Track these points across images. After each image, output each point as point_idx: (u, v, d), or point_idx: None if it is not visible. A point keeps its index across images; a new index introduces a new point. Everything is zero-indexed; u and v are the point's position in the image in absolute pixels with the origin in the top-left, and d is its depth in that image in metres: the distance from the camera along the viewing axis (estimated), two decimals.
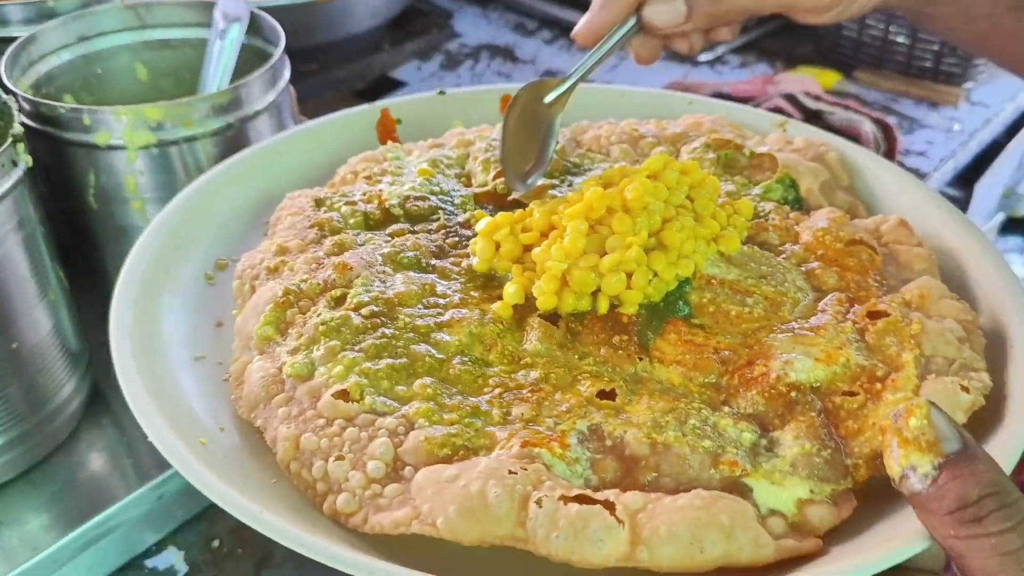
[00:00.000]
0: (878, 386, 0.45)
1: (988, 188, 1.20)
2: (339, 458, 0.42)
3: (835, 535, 0.41)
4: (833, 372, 0.46)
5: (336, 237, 0.56)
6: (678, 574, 0.38)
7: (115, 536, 0.65)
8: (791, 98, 1.10)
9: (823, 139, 0.68)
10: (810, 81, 1.22)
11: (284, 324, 0.49)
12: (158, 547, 0.68)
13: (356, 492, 0.41)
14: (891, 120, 1.08)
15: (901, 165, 0.74)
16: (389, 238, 0.56)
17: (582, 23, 0.58)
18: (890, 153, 1.01)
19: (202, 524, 0.70)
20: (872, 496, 0.43)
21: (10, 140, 0.60)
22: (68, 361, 0.68)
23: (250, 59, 0.79)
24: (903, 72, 1.25)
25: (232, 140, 0.71)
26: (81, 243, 0.77)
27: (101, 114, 0.67)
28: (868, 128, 0.97)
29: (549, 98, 0.60)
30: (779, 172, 0.63)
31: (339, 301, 0.50)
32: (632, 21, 0.58)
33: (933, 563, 0.47)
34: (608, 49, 0.58)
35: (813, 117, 1.08)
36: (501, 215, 0.53)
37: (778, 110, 1.06)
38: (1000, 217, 1.47)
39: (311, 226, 0.57)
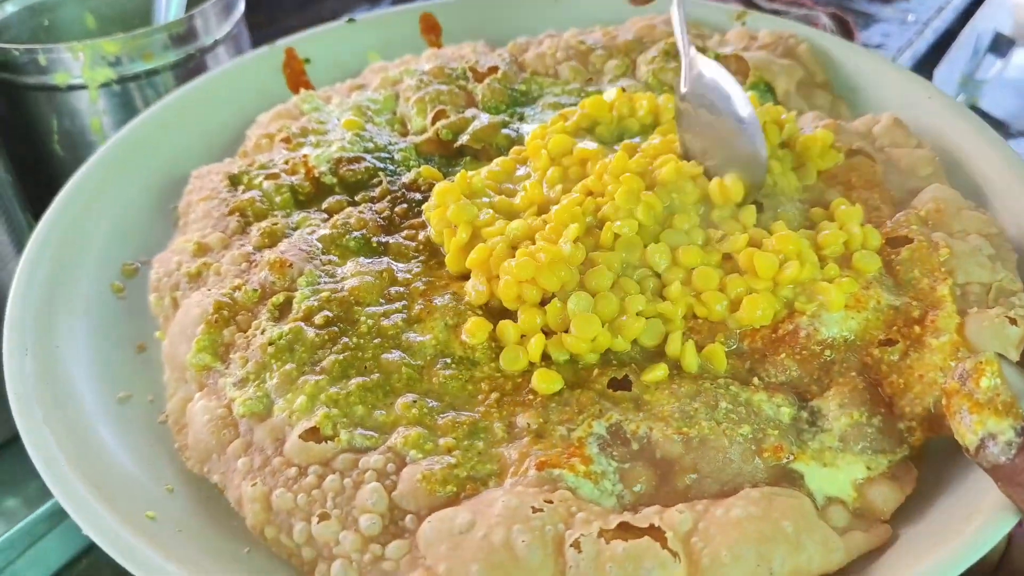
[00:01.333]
0: (917, 329, 0.40)
1: (946, 76, 1.18)
2: (323, 517, 0.35)
3: (898, 513, 0.36)
4: (865, 319, 0.41)
5: (263, 224, 0.47)
6: None
7: None
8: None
9: (790, 29, 0.61)
10: None
11: (223, 347, 0.41)
12: None
13: (352, 557, 0.34)
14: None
15: None
16: (326, 216, 0.47)
17: None
18: None
19: None
20: (934, 465, 0.38)
21: None
22: None
23: None
24: None
25: (192, 73, 0.65)
26: (49, 194, 0.67)
27: (57, 52, 0.62)
28: (825, 23, 0.91)
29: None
30: (751, 76, 0.56)
31: (283, 309, 0.42)
32: None
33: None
34: None
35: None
36: (446, 185, 0.45)
37: None
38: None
39: (230, 212, 0.48)
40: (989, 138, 0.50)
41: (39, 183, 0.67)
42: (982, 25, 1.25)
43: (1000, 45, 1.30)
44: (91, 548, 0.57)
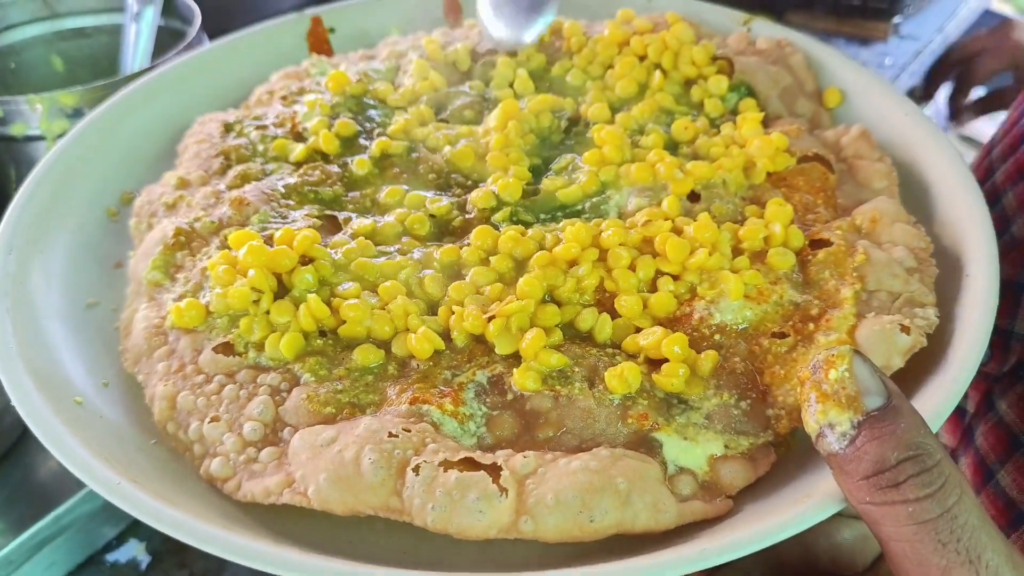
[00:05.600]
0: (811, 326, 0.41)
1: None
2: (214, 419, 0.39)
3: (751, 491, 0.38)
4: (764, 311, 0.42)
5: (241, 167, 0.52)
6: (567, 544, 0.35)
7: (72, 533, 0.63)
8: None
9: (790, 38, 0.61)
10: None
11: (174, 268, 0.46)
12: (118, 540, 0.66)
13: (231, 456, 0.38)
14: None
15: None
16: (295, 167, 0.52)
17: None
18: None
19: None
20: (799, 446, 0.40)
21: None
22: None
23: (168, 41, 0.75)
24: (832, 12, 1.24)
25: None
26: None
27: (14, 105, 0.63)
28: None
29: None
30: (734, 78, 0.57)
31: None
32: None
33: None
34: None
35: None
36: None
37: None
38: None
39: (217, 155, 0.53)
40: (949, 156, 0.50)
41: None
42: None
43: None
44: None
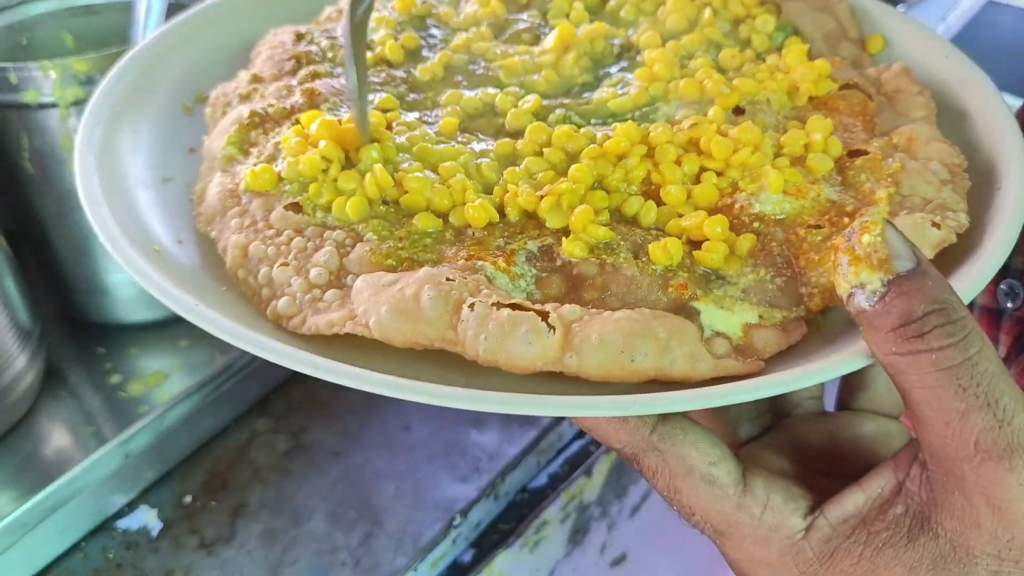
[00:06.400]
0: (846, 220, 0.43)
1: None
2: (283, 264, 0.42)
3: (781, 358, 0.40)
4: (801, 206, 0.44)
5: (311, 67, 0.55)
6: (608, 384, 0.37)
7: (83, 498, 0.64)
8: None
9: None
10: None
11: (248, 144, 0.49)
12: (129, 507, 0.68)
13: (297, 296, 0.41)
14: None
15: None
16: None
17: None
18: None
19: (173, 481, 0.71)
20: (828, 333, 0.42)
21: None
22: (17, 334, 0.67)
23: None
24: None
25: None
26: (20, 212, 0.76)
27: (28, 71, 0.64)
28: None
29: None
30: (781, 19, 0.60)
31: None
32: None
33: (892, 407, 0.46)
34: None
35: None
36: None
37: None
38: None
39: (289, 58, 0.56)
40: (986, 90, 0.52)
41: (8, 199, 0.73)
42: None
43: None
44: (48, 568, 0.63)
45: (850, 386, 0.45)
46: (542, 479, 0.74)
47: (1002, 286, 0.65)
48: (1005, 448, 0.33)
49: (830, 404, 0.47)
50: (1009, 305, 0.64)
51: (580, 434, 0.77)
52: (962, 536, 0.35)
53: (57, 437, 0.67)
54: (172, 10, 0.78)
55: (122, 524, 0.67)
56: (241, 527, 0.67)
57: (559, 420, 0.74)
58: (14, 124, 0.68)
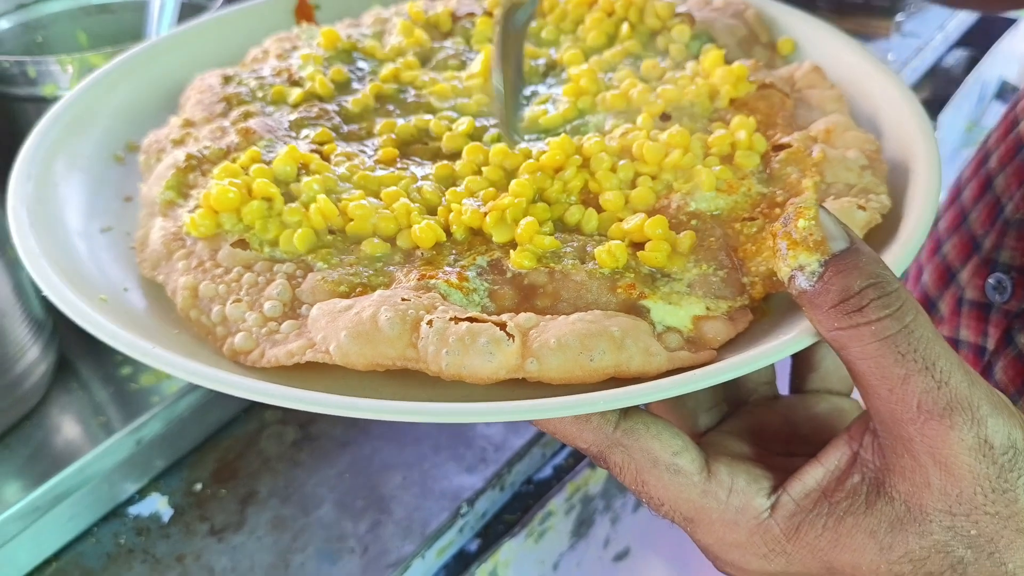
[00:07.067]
0: (777, 211, 0.46)
1: (951, 121, 1.22)
2: (236, 301, 0.42)
3: (730, 348, 0.41)
4: (734, 201, 0.46)
5: (243, 108, 0.55)
6: (568, 386, 0.38)
7: (95, 484, 0.65)
8: None
9: None
10: None
11: (186, 188, 0.49)
12: (140, 494, 0.69)
13: (253, 331, 0.41)
14: None
15: None
16: (293, 108, 0.55)
17: None
18: None
19: (183, 470, 0.71)
20: (773, 319, 0.44)
21: None
22: (31, 326, 0.68)
23: (192, 15, 0.78)
24: (835, 9, 1.29)
25: None
26: None
27: (46, 65, 0.66)
28: None
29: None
30: (695, 29, 0.63)
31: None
32: None
33: (841, 385, 0.48)
34: None
35: None
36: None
37: None
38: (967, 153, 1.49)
39: (219, 100, 0.57)
40: (894, 83, 0.55)
41: None
42: (988, 73, 1.31)
43: (1005, 92, 1.34)
44: (61, 552, 0.63)
45: (800, 369, 0.47)
46: (547, 471, 0.76)
47: (990, 280, 0.67)
48: (945, 407, 0.35)
49: (783, 389, 0.48)
50: (997, 298, 0.66)
51: None
52: (915, 496, 0.36)
53: (68, 427, 0.68)
54: (185, 10, 0.78)
55: (133, 510, 0.67)
56: (251, 514, 0.67)
57: None
58: (32, 118, 0.67)
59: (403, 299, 0.39)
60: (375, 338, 0.38)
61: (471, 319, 0.39)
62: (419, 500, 0.68)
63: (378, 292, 0.40)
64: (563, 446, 0.77)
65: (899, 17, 1.24)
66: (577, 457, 0.77)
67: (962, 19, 1.32)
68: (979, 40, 1.31)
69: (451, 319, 0.38)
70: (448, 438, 0.73)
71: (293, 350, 0.39)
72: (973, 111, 1.38)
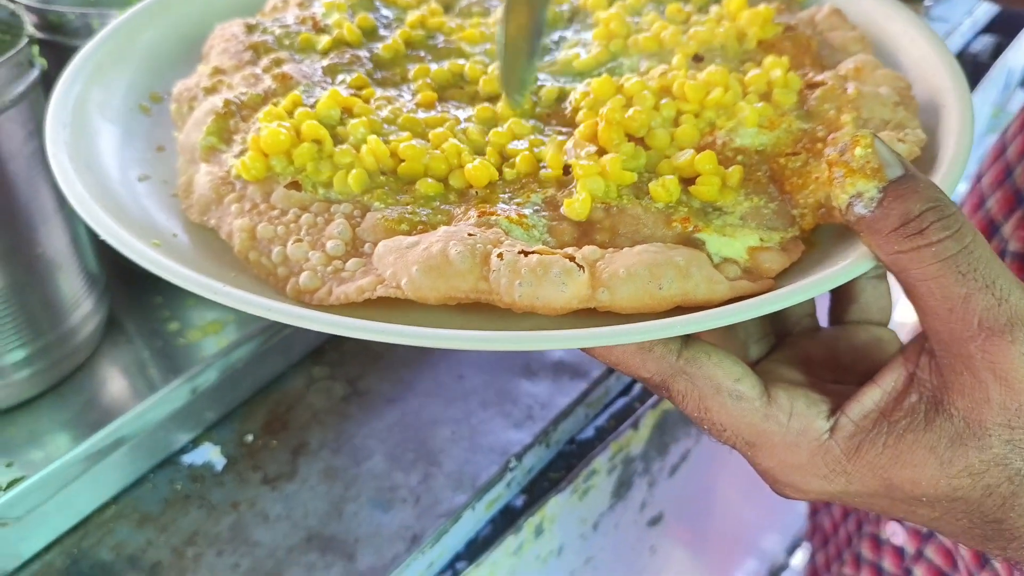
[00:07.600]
0: (819, 145, 0.46)
1: (977, 107, 1.24)
2: (297, 241, 0.42)
3: (786, 275, 0.42)
4: (776, 136, 0.47)
5: (272, 55, 0.55)
6: (638, 314, 0.39)
7: (149, 432, 0.66)
8: None
9: None
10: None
11: (228, 133, 0.49)
12: (193, 444, 0.70)
13: (318, 269, 0.41)
14: None
15: None
16: (322, 55, 0.55)
17: None
18: None
19: (234, 422, 0.72)
20: (822, 249, 0.45)
21: (25, 40, 0.59)
22: (85, 279, 0.68)
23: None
24: None
25: None
26: None
27: (110, 17, 0.65)
28: None
29: None
30: None
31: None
32: None
33: (880, 316, 0.49)
34: None
35: None
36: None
37: None
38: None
39: (246, 49, 0.56)
40: (915, 24, 0.57)
41: None
42: (1014, 60, 1.32)
43: None
44: (119, 496, 0.65)
45: (840, 301, 0.49)
46: (589, 432, 0.77)
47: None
48: (1006, 323, 0.36)
49: (823, 322, 0.50)
50: None
51: (624, 391, 0.80)
52: (974, 412, 0.38)
53: (118, 380, 0.69)
54: None
55: (187, 459, 0.69)
56: (303, 464, 0.68)
57: (606, 373, 0.77)
58: None
59: (469, 234, 0.40)
60: (447, 271, 0.38)
61: (539, 252, 0.39)
62: (468, 454, 0.69)
63: (442, 228, 0.41)
64: (604, 408, 0.79)
65: (928, 2, 1.25)
66: (618, 419, 0.78)
67: (990, 5, 1.34)
68: (1007, 27, 1.32)
69: (520, 252, 0.39)
70: (496, 394, 0.74)
71: (364, 286, 0.39)
72: (999, 97, 1.41)
